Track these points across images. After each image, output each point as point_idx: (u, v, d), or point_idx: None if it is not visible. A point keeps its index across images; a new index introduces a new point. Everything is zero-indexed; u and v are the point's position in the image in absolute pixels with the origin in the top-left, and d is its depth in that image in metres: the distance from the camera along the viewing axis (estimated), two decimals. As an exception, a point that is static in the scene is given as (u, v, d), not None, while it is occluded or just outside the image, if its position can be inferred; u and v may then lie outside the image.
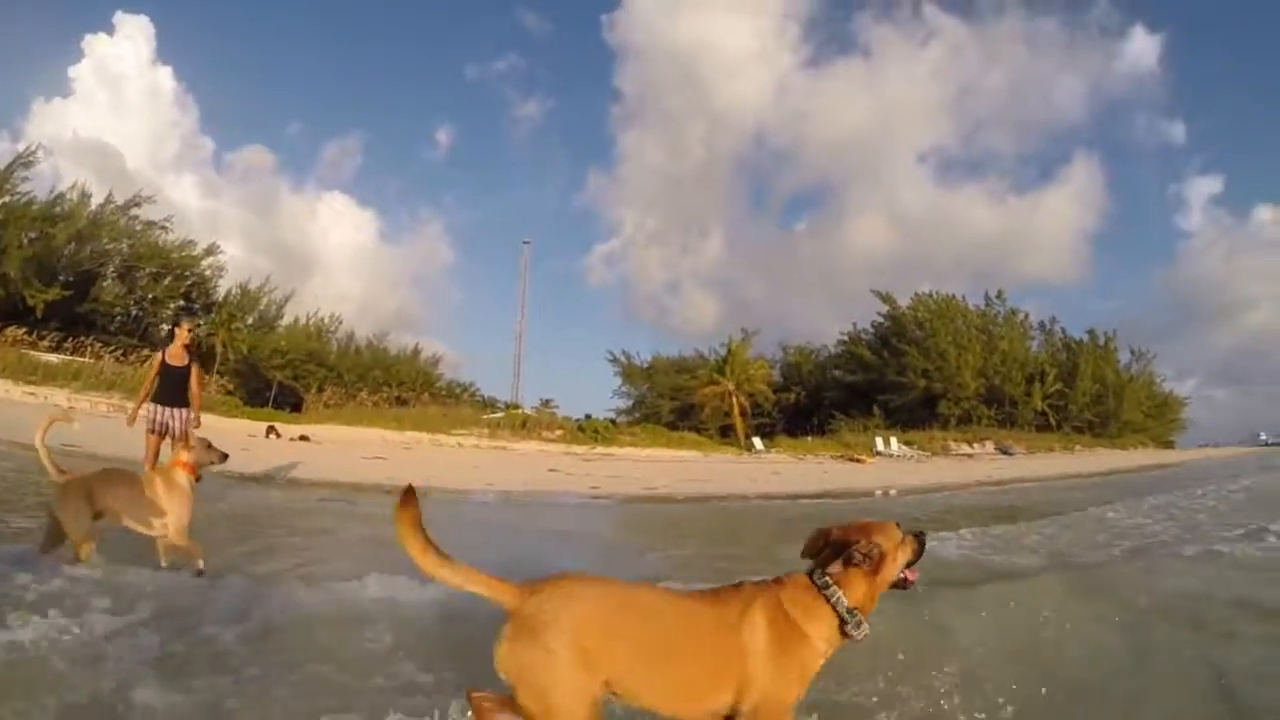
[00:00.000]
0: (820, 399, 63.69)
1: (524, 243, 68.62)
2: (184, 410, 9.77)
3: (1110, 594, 5.97)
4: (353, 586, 5.10)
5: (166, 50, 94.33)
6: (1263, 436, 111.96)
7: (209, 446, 6.16)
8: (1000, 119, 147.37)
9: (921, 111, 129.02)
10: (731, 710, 2.51)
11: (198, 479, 6.01)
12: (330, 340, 53.23)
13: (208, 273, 50.72)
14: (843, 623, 2.63)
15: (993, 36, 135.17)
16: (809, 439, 52.37)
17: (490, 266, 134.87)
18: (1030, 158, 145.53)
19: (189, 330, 10.31)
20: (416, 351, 56.98)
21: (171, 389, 9.71)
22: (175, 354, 9.89)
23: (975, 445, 56.38)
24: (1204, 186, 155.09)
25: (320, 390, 44.30)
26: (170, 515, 5.64)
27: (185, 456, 5.96)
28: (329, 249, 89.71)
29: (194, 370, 10.02)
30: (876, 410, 59.16)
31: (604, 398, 67.66)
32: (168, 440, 9.49)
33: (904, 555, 2.86)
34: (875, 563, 2.71)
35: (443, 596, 4.38)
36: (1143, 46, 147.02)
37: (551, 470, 25.08)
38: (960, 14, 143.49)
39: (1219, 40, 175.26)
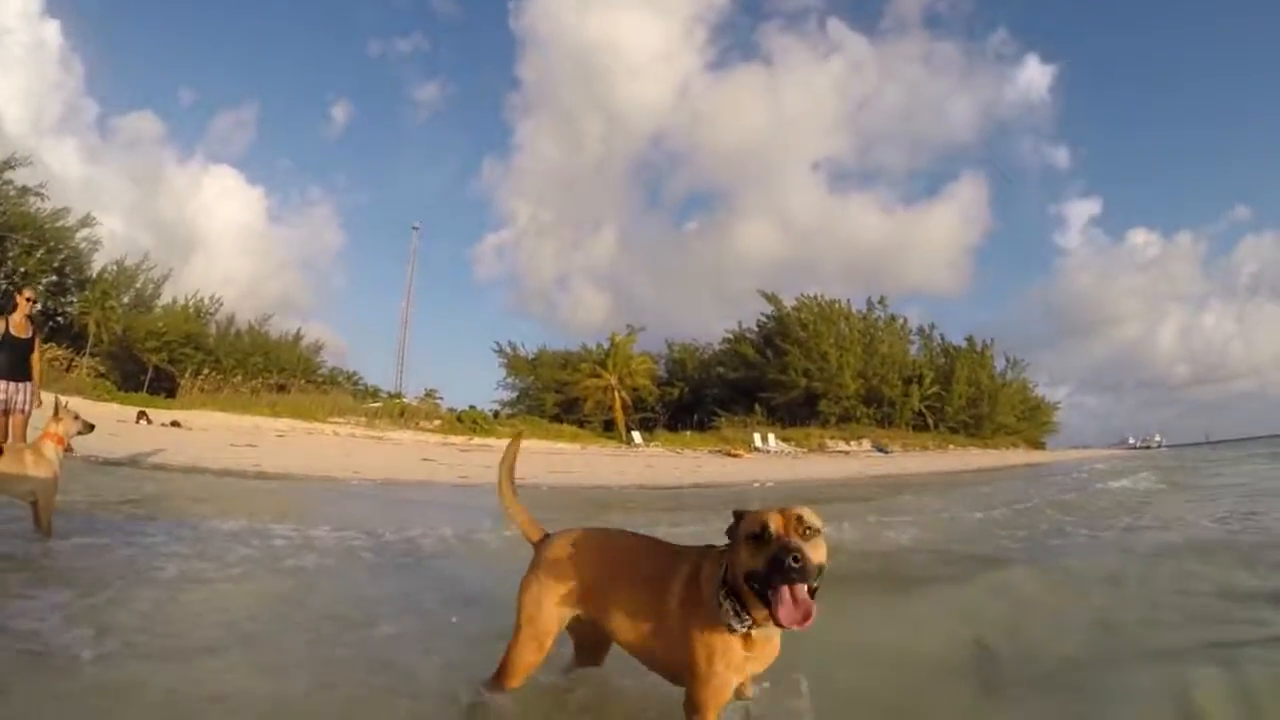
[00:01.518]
0: (703, 395, 65.46)
1: (413, 227, 68.64)
2: (28, 384, 9.50)
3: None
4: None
5: (55, 3, 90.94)
6: (1130, 440, 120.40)
7: (75, 417, 6.46)
8: (894, 134, 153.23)
9: (818, 122, 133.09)
10: (671, 665, 2.61)
11: (67, 450, 6.38)
12: (209, 323, 52.09)
13: (83, 246, 48.39)
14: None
15: (893, 54, 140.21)
16: (688, 434, 54.16)
17: (379, 252, 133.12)
18: (920, 173, 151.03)
19: (29, 300, 9.79)
20: (299, 337, 56.46)
21: (14, 362, 9.33)
22: (18, 324, 9.49)
23: (852, 443, 59.37)
24: (1083, 208, 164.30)
25: (197, 375, 43.33)
26: (39, 484, 5.97)
27: (55, 428, 6.27)
28: (214, 226, 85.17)
29: (36, 342, 9.72)
30: (758, 407, 61.34)
31: (489, 390, 67.63)
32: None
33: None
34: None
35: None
36: (1035, 75, 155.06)
37: (425, 460, 25.62)
38: (864, 30, 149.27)
39: (1108, 74, 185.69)
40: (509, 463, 3.22)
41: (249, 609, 4.61)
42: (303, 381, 48.55)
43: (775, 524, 2.30)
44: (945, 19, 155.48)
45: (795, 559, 2.17)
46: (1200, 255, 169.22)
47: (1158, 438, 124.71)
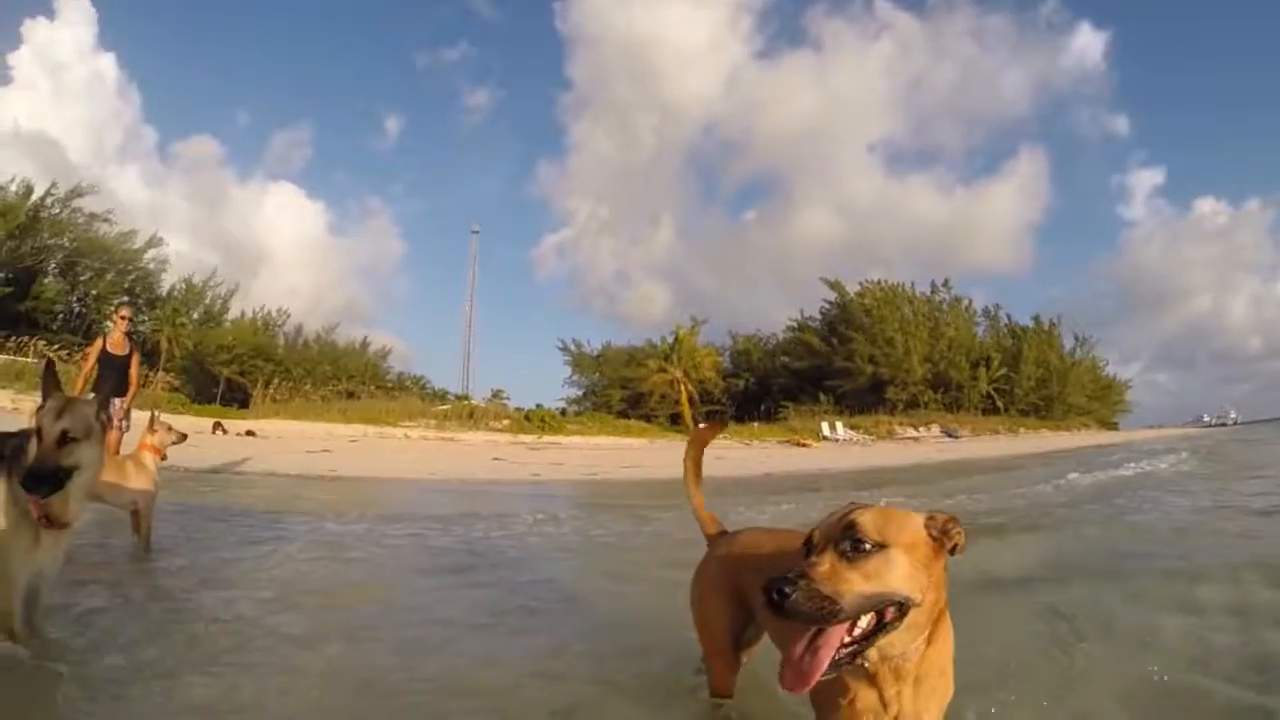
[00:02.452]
0: (769, 386, 65.20)
1: (473, 232, 70.02)
2: (122, 399, 9.68)
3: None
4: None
5: (109, 36, 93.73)
6: (1205, 418, 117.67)
7: (170, 428, 6.67)
8: (949, 112, 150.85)
9: (872, 104, 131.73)
10: None
11: (163, 458, 6.55)
12: (278, 334, 53.24)
13: (151, 266, 50.60)
14: None
15: (943, 31, 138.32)
16: (756, 425, 53.83)
17: (440, 258, 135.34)
18: (977, 150, 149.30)
19: (124, 318, 10.26)
20: (365, 344, 57.23)
21: (113, 378, 9.18)
22: (116, 342, 9.85)
23: (921, 429, 58.65)
24: (1146, 178, 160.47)
25: (267, 385, 44.45)
26: (140, 495, 6.16)
27: (150, 440, 6.45)
28: (277, 241, 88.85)
29: (134, 358, 10.00)
30: (824, 396, 60.90)
31: (555, 388, 68.29)
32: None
33: None
34: None
35: None
36: (1089, 42, 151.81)
37: (496, 459, 25.79)
38: (911, 9, 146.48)
39: (1163, 38, 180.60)
40: (695, 455, 3.14)
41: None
42: (372, 388, 49.52)
43: (815, 537, 1.86)
44: None
45: (778, 593, 1.66)
46: (1270, 223, 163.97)
47: (1233, 414, 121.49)
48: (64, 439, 3.15)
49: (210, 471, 15.92)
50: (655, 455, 33.07)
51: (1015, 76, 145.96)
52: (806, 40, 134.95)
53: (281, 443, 27.03)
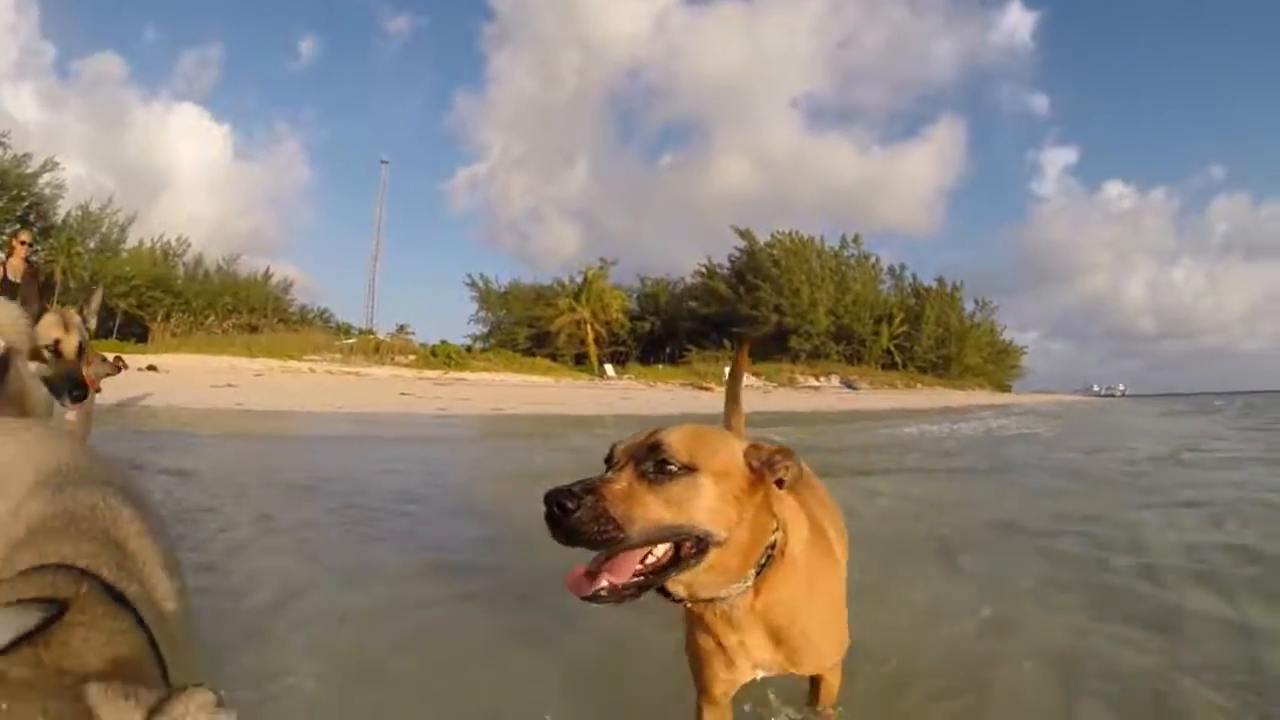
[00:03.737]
0: (675, 329, 67.17)
1: (382, 162, 69.91)
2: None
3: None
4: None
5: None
6: (1095, 388, 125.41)
7: (104, 359, 6.50)
8: (874, 74, 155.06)
9: (799, 59, 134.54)
10: None
11: (97, 390, 6.35)
12: (177, 265, 52.38)
13: (46, 192, 48.47)
14: None
15: None
16: (660, 367, 55.97)
17: (349, 188, 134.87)
18: (899, 113, 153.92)
19: (25, 243, 9.77)
20: (268, 276, 56.75)
21: None
22: (15, 268, 9.30)
23: (821, 379, 61.44)
24: (1060, 156, 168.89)
25: (167, 318, 44.21)
26: (75, 427, 5.72)
27: (86, 372, 6.29)
28: (179, 166, 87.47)
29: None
30: (729, 342, 62.90)
31: (461, 324, 68.52)
32: None
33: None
34: None
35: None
36: (1019, 20, 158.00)
37: (403, 394, 26.98)
38: None
39: (1090, 23, 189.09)
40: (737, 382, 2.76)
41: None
42: (275, 321, 49.38)
43: (615, 452, 1.65)
44: None
45: (559, 506, 1.45)
46: (1174, 211, 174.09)
47: (1121, 387, 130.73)
48: (80, 351, 3.26)
49: (116, 407, 15.89)
50: (562, 393, 34.61)
51: (944, 46, 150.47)
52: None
53: (184, 377, 27.10)
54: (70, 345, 3.23)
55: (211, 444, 10.57)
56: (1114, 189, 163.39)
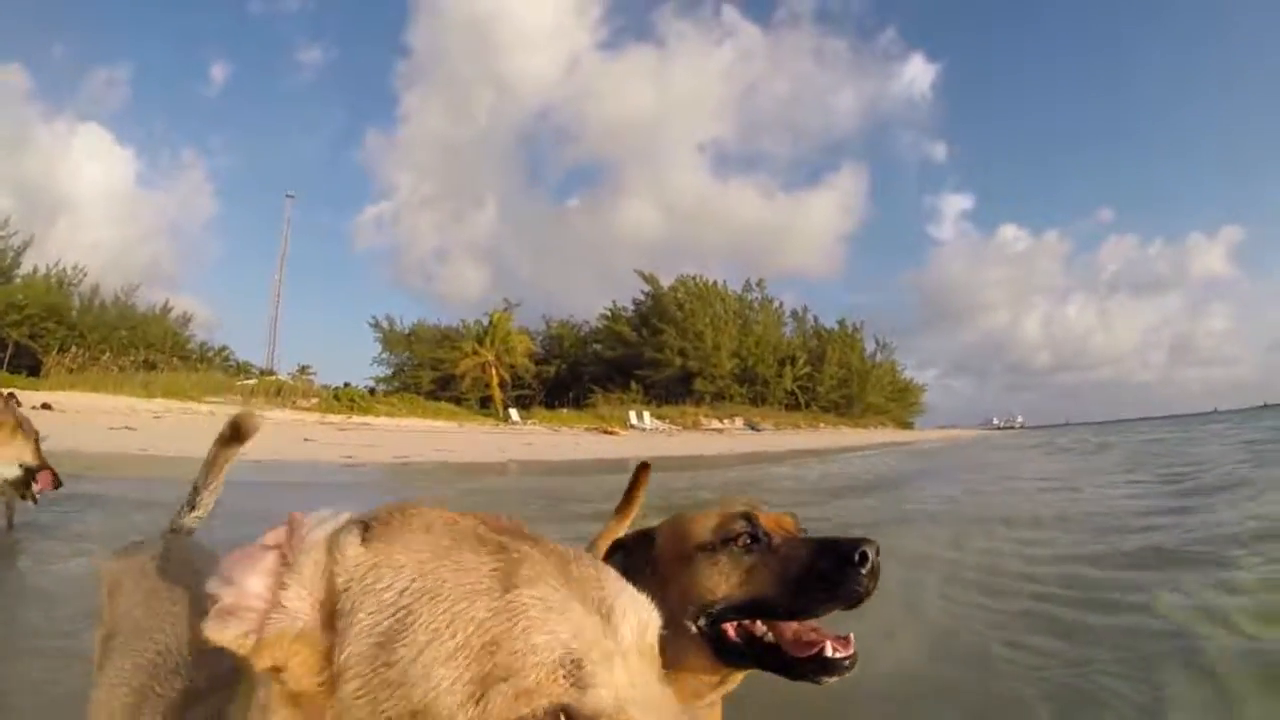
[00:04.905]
0: (580, 372, 68.78)
1: (287, 196, 67.69)
2: None
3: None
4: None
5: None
6: (995, 421, 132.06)
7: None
8: (779, 122, 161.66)
9: (706, 105, 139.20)
10: None
11: None
12: (73, 294, 50.69)
13: None
14: None
15: (785, 45, 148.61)
16: (565, 411, 57.53)
17: (253, 220, 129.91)
18: (802, 161, 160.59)
19: None
20: (167, 309, 55.65)
21: None
22: None
23: (725, 421, 63.95)
24: (957, 203, 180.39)
25: (61, 351, 42.81)
26: None
27: None
28: (81, 190, 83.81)
29: None
30: (634, 385, 65.27)
31: (364, 365, 67.76)
32: None
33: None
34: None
35: None
36: (919, 72, 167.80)
37: (307, 440, 26.75)
38: (758, 20, 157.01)
39: (987, 75, 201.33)
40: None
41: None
42: (174, 359, 48.30)
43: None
44: (837, 15, 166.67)
45: (862, 556, 1.48)
46: (1066, 252, 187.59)
47: (1019, 419, 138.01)
48: None
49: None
50: (465, 439, 35.60)
51: (847, 96, 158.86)
52: (652, 36, 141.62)
53: (81, 417, 26.37)
54: None
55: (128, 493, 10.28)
56: (1009, 232, 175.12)
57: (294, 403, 42.07)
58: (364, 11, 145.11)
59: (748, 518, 1.60)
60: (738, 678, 1.64)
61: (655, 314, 68.57)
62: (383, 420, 41.96)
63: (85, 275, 52.25)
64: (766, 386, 71.34)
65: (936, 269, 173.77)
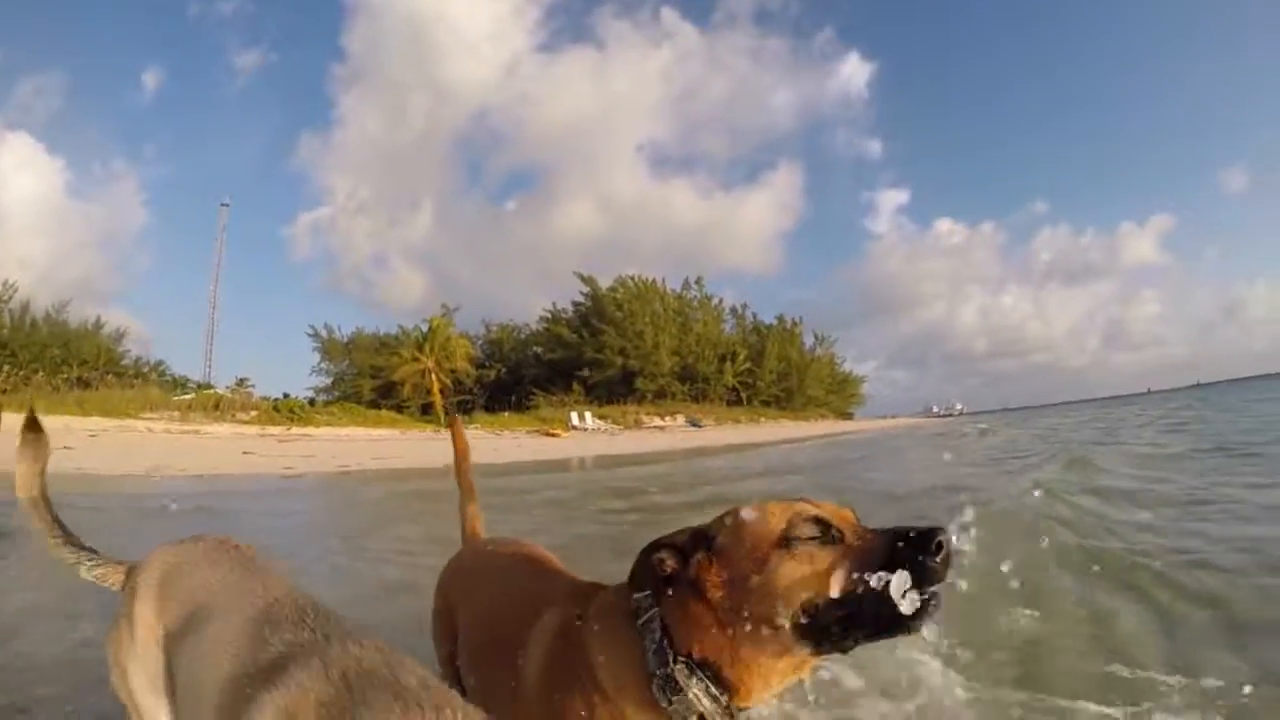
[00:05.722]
0: (521, 375, 69.89)
1: (222, 204, 69.32)
2: None
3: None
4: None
5: None
6: (934, 409, 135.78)
7: None
8: (717, 122, 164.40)
9: (645, 106, 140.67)
10: None
11: None
12: (2, 312, 50.14)
13: None
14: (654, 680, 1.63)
15: (723, 46, 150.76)
16: (506, 414, 58.54)
17: (187, 230, 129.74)
18: (740, 160, 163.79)
19: None
20: (99, 325, 55.24)
21: None
22: None
23: (667, 418, 65.36)
24: (893, 197, 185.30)
25: None
26: None
27: None
28: (8, 201, 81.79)
29: None
30: (576, 386, 66.64)
31: (304, 376, 68.16)
32: None
33: (826, 561, 1.56)
34: (707, 569, 1.64)
35: None
36: (855, 71, 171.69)
37: (246, 453, 27.18)
38: (696, 21, 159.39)
39: (923, 74, 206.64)
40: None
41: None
42: (108, 376, 48.31)
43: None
44: (775, 16, 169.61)
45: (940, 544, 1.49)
46: (1001, 244, 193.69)
47: (959, 406, 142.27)
48: None
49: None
50: (408, 446, 36.14)
51: (784, 96, 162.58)
52: (590, 38, 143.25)
53: (15, 439, 27.32)
54: None
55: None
56: (944, 225, 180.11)
57: (233, 416, 42.36)
58: (300, 14, 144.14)
59: (816, 518, 1.59)
60: (812, 663, 1.65)
61: (595, 315, 69.79)
62: (323, 430, 42.39)
63: (15, 291, 51.83)
64: (707, 383, 73.23)
65: (874, 263, 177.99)
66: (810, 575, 1.53)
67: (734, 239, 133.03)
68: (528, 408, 62.30)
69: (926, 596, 1.48)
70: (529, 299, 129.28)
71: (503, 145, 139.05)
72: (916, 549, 1.48)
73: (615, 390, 67.00)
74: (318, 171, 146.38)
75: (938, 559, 1.48)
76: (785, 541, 1.56)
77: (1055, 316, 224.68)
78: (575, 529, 9.17)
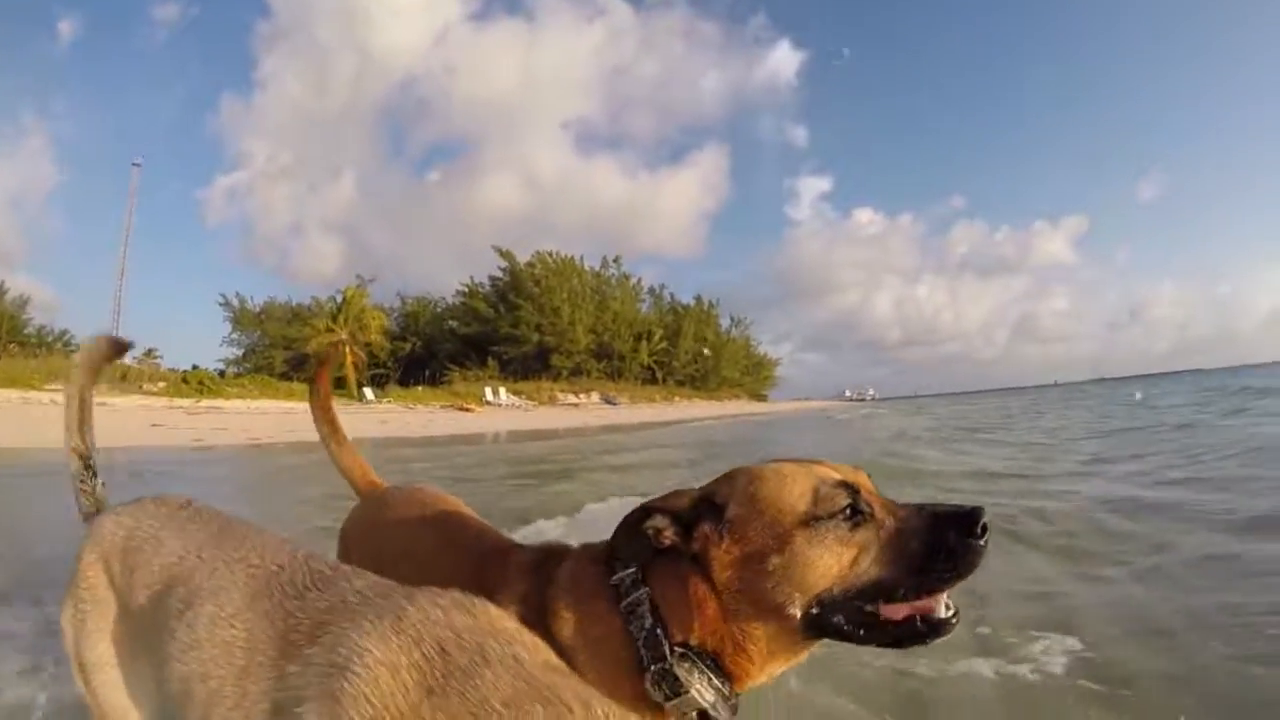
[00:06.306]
0: (436, 350, 70.44)
1: (134, 164, 66.27)
2: None
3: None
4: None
5: None
6: (847, 393, 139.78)
7: None
8: (646, 102, 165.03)
9: (574, 83, 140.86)
10: None
11: None
12: None
13: None
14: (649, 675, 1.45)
15: (656, 27, 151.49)
16: (420, 389, 59.33)
17: (97, 191, 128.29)
18: (666, 141, 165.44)
19: None
20: (2, 291, 53.88)
21: None
22: None
23: (582, 395, 66.64)
24: (815, 185, 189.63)
25: None
26: None
27: None
28: None
29: None
30: (491, 362, 67.55)
31: (214, 347, 66.41)
32: None
33: (850, 545, 1.43)
34: (719, 538, 1.48)
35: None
36: (786, 58, 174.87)
37: (155, 425, 26.66)
38: (632, 1, 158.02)
39: (852, 66, 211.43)
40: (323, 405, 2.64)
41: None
42: (10, 345, 47.76)
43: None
44: None
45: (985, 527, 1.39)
46: (918, 235, 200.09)
47: (871, 392, 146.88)
48: None
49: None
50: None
51: (714, 79, 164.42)
52: (522, 10, 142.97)
53: None
54: None
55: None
56: (864, 215, 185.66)
57: (140, 387, 41.93)
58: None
59: (848, 486, 1.44)
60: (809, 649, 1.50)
61: (513, 290, 70.57)
62: (234, 403, 42.11)
63: (-89, 255, 49.82)
64: (623, 361, 74.91)
65: (793, 248, 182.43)
66: (839, 562, 1.40)
67: (656, 219, 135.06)
68: (442, 383, 62.95)
69: (950, 616, 1.42)
70: (447, 273, 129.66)
71: (428, 115, 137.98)
72: (959, 530, 1.38)
73: (531, 366, 68.02)
74: (237, 134, 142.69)
75: (983, 541, 1.38)
76: (812, 518, 1.41)
77: (968, 308, 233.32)
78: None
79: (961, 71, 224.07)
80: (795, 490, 1.44)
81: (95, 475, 1.94)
